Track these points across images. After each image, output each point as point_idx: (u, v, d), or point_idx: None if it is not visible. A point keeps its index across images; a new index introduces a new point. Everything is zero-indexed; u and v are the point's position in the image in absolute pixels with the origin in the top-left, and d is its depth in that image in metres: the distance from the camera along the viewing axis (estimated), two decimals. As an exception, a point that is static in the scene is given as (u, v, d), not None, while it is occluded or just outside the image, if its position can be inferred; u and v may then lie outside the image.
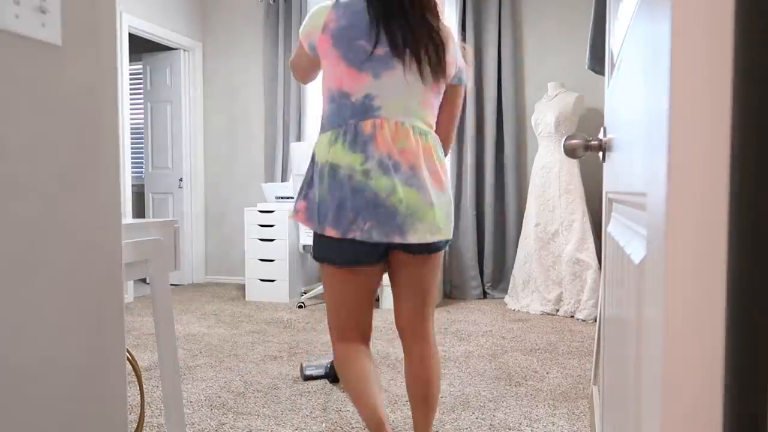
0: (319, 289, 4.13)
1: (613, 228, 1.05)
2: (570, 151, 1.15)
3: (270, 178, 4.89)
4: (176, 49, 5.01)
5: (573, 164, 3.79)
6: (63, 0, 0.76)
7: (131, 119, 5.93)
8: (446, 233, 1.49)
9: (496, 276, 4.37)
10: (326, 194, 1.43)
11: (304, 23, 1.51)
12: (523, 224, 4.01)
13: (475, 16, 4.32)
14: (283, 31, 4.79)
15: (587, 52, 2.27)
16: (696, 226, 0.42)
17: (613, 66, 1.15)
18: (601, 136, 1.17)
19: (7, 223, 0.69)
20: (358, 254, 1.47)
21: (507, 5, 4.25)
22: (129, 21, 4.35)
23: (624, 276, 0.80)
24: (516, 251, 4.17)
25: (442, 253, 1.59)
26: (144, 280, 5.18)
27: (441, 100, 1.57)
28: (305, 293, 4.30)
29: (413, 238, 1.42)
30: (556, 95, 3.91)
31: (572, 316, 3.71)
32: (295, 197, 2.02)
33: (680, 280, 0.42)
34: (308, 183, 1.51)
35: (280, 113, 4.83)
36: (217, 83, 5.13)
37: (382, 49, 1.43)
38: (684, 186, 0.42)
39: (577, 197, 3.74)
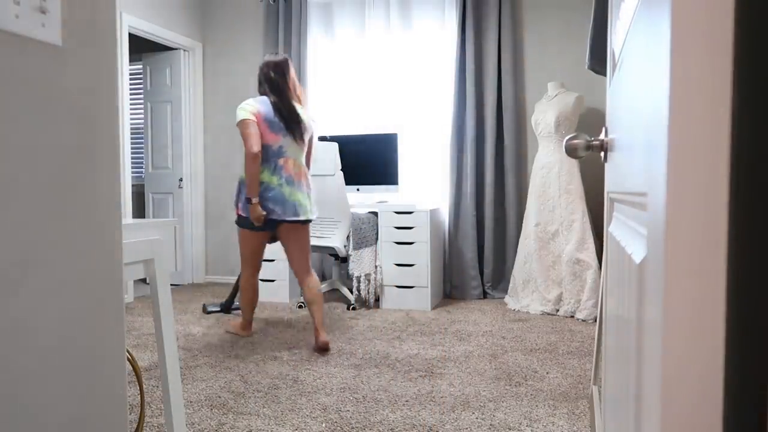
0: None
1: (614, 228, 1.05)
2: (572, 151, 1.15)
3: (270, 178, 4.89)
4: (176, 49, 5.01)
5: (573, 164, 3.79)
6: (63, 0, 0.76)
7: (131, 119, 5.93)
8: (313, 215, 3.08)
9: (496, 276, 4.37)
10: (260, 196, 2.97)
11: (242, 112, 2.94)
12: (523, 224, 4.00)
13: (475, 16, 4.32)
14: (283, 31, 4.79)
15: (587, 52, 2.26)
16: (696, 226, 0.42)
17: (614, 66, 1.15)
18: (602, 135, 1.17)
19: (7, 223, 0.69)
20: (267, 225, 3.02)
21: (507, 5, 4.25)
22: (129, 21, 4.35)
23: (625, 276, 0.80)
24: (516, 251, 4.17)
25: (309, 225, 3.12)
26: (144, 280, 5.18)
27: (306, 146, 3.11)
28: (305, 293, 4.31)
29: (302, 217, 3.01)
30: (556, 95, 3.91)
31: (572, 316, 3.71)
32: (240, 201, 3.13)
33: (680, 280, 0.42)
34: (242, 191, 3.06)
35: (280, 113, 4.83)
36: (217, 83, 5.13)
37: (283, 129, 2.99)
38: (684, 186, 0.42)
39: (577, 197, 3.74)
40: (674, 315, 0.43)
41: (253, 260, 3.14)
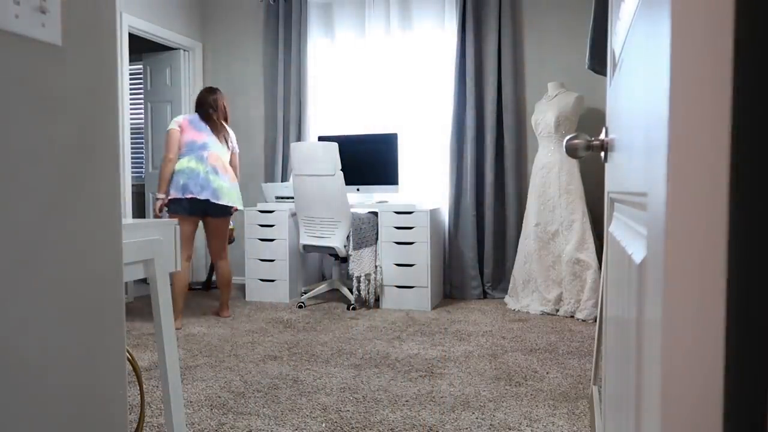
0: (320, 288, 4.13)
1: (614, 228, 1.05)
2: (572, 151, 1.15)
3: (270, 178, 4.89)
4: (176, 49, 5.01)
5: (573, 164, 3.79)
6: (63, 0, 0.76)
7: (131, 119, 5.93)
8: (235, 202, 3.63)
9: (496, 276, 4.37)
10: (188, 182, 3.52)
11: (171, 122, 3.66)
12: (523, 224, 4.00)
13: (475, 16, 4.32)
14: (283, 31, 4.79)
15: (587, 52, 2.26)
16: (696, 226, 0.42)
17: (614, 66, 1.15)
18: (602, 135, 1.17)
19: (7, 223, 0.69)
20: (194, 210, 3.54)
21: (507, 5, 4.25)
22: (129, 21, 4.35)
23: (625, 276, 0.80)
24: (516, 251, 4.17)
25: (229, 216, 3.68)
26: (144, 280, 5.18)
27: (230, 153, 3.77)
28: (305, 293, 4.30)
29: (221, 202, 3.54)
30: (556, 95, 3.91)
31: (572, 316, 3.71)
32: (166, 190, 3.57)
33: (680, 280, 0.42)
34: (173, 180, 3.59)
35: (280, 113, 4.83)
36: (217, 83, 5.13)
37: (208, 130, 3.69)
38: (684, 186, 0.42)
39: (577, 197, 3.74)
40: (674, 315, 0.43)
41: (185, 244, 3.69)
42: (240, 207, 3.69)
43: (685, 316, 0.42)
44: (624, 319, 0.80)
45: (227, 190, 3.58)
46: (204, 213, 3.58)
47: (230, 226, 4.09)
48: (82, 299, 0.81)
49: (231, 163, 3.75)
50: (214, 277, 4.91)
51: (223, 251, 3.73)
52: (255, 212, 4.30)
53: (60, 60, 0.76)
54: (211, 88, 3.79)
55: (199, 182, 3.48)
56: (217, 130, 3.68)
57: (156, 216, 3.60)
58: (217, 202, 3.52)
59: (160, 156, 5.16)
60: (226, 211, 3.63)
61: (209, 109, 3.72)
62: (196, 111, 3.73)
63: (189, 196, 3.47)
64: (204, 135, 3.61)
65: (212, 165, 3.55)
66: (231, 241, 4.44)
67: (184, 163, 3.52)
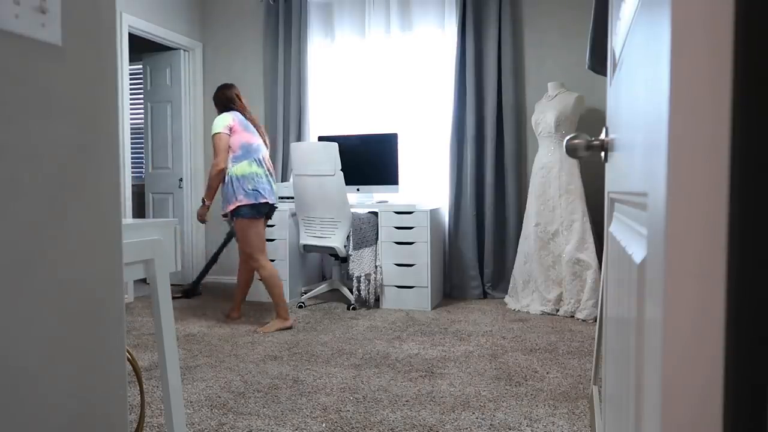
0: (320, 288, 4.13)
1: (614, 228, 1.05)
2: (572, 151, 1.15)
3: (270, 178, 4.89)
4: (176, 49, 5.01)
5: (573, 164, 3.79)
6: (63, 0, 0.76)
7: (131, 119, 5.93)
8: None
9: (496, 276, 4.37)
10: (258, 186, 3.43)
11: (220, 124, 3.46)
12: (523, 224, 4.00)
13: (475, 16, 4.32)
14: (283, 31, 4.79)
15: (587, 52, 2.26)
16: (696, 226, 0.42)
17: (614, 66, 1.15)
18: (602, 135, 1.17)
19: (7, 223, 0.69)
20: (264, 213, 3.47)
21: (507, 5, 4.25)
22: (129, 21, 4.35)
23: (625, 276, 0.80)
24: (516, 251, 4.17)
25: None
26: (144, 280, 5.18)
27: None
28: (305, 293, 4.30)
29: (277, 205, 3.59)
30: (556, 95, 3.91)
31: (572, 316, 3.71)
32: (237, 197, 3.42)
33: (680, 280, 0.42)
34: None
35: (280, 113, 4.83)
36: (217, 83, 5.13)
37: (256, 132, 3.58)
38: (684, 186, 0.42)
39: (577, 197, 3.74)
40: (674, 315, 0.43)
41: (264, 246, 3.54)
42: None
43: (685, 316, 0.42)
44: (624, 319, 0.80)
45: (277, 193, 3.60)
46: (266, 216, 3.56)
47: None
48: (82, 299, 0.81)
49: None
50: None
51: None
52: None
53: (60, 60, 0.76)
54: (228, 84, 3.64)
55: (266, 186, 3.44)
56: (259, 128, 3.58)
57: (201, 221, 3.53)
58: (276, 205, 3.57)
59: (160, 156, 5.17)
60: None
61: (242, 107, 3.58)
62: (231, 110, 3.53)
63: (262, 200, 3.41)
64: (254, 136, 3.50)
65: (267, 167, 3.50)
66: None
67: (246, 168, 3.39)
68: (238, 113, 3.51)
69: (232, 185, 3.39)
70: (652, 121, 0.51)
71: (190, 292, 4.51)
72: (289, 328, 3.46)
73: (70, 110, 0.78)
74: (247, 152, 3.42)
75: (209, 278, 5.23)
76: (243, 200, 3.36)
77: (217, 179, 3.41)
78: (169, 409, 1.53)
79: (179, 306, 4.17)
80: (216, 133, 3.41)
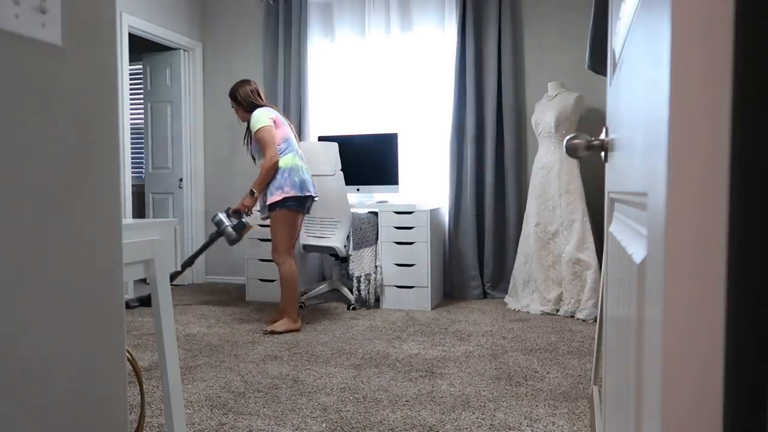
0: (320, 288, 4.13)
1: (615, 228, 1.05)
2: (572, 151, 1.15)
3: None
4: (176, 49, 5.01)
5: (573, 164, 3.79)
6: (63, 0, 0.76)
7: (131, 119, 5.93)
8: None
9: (496, 276, 4.37)
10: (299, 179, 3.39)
11: (264, 118, 3.40)
12: (523, 224, 4.00)
13: (475, 16, 4.31)
14: (283, 31, 4.79)
15: (587, 52, 2.26)
16: (696, 226, 0.42)
17: (614, 66, 1.15)
18: (602, 135, 1.17)
19: (7, 223, 0.69)
20: (307, 207, 3.47)
21: (507, 5, 4.25)
22: (129, 21, 4.35)
23: (625, 276, 0.80)
24: (516, 251, 4.17)
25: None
26: (144, 280, 5.17)
27: None
28: (305, 293, 4.30)
29: (316, 195, 3.49)
30: (556, 95, 3.91)
31: (572, 316, 3.71)
32: (279, 187, 3.36)
33: (680, 280, 0.42)
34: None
35: (281, 113, 4.83)
36: (217, 83, 5.13)
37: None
38: (684, 186, 0.42)
39: (577, 197, 3.74)
40: (674, 315, 0.43)
41: (295, 243, 3.48)
42: None
43: (685, 316, 0.42)
44: (624, 319, 0.80)
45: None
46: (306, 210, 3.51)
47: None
48: (82, 299, 0.81)
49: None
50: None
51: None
52: (255, 212, 4.29)
53: (60, 60, 0.76)
54: (247, 80, 3.55)
55: (309, 179, 3.42)
56: (290, 124, 3.57)
57: (247, 213, 3.47)
58: (316, 198, 3.51)
59: (160, 156, 5.17)
60: None
61: (267, 104, 3.54)
62: (261, 105, 3.48)
63: (307, 193, 3.38)
64: (290, 130, 3.50)
65: (305, 163, 3.51)
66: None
67: (290, 161, 3.38)
68: (271, 108, 3.50)
69: (280, 176, 3.35)
70: (652, 121, 0.51)
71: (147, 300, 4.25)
72: (298, 330, 3.42)
73: (70, 110, 0.78)
74: (289, 146, 3.41)
75: (209, 278, 5.23)
76: (290, 192, 3.32)
77: (272, 172, 3.34)
78: (169, 409, 1.53)
79: (179, 306, 4.17)
80: (262, 127, 3.34)
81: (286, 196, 3.32)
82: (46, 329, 0.75)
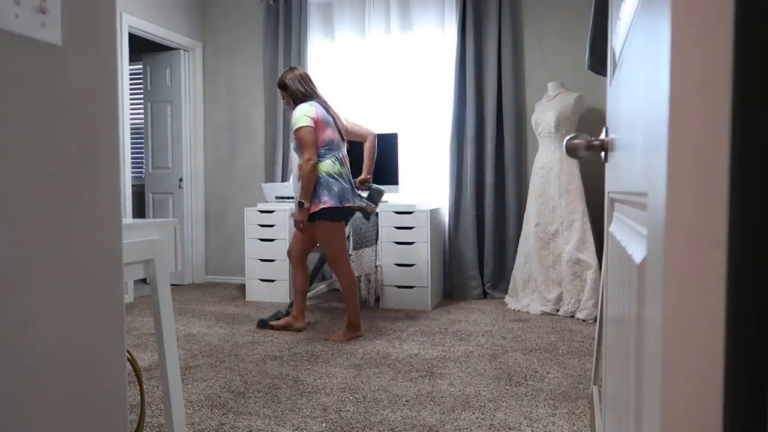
0: (320, 288, 4.13)
1: (615, 228, 1.05)
2: (572, 151, 1.15)
3: (270, 178, 4.89)
4: (176, 49, 5.01)
5: (573, 164, 3.79)
6: (63, 0, 0.76)
7: (131, 119, 5.93)
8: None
9: (496, 276, 4.37)
10: (340, 186, 3.13)
11: (304, 117, 3.09)
12: (523, 224, 4.00)
13: (475, 16, 4.31)
14: (283, 31, 4.79)
15: (587, 52, 2.26)
16: (696, 226, 0.42)
17: (614, 66, 1.15)
18: (602, 135, 1.17)
19: (7, 222, 0.69)
20: (350, 215, 3.25)
21: (507, 5, 4.25)
22: (129, 21, 4.35)
23: (625, 276, 0.80)
24: (516, 251, 4.17)
25: None
26: (144, 280, 5.18)
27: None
28: (305, 293, 4.30)
29: (358, 205, 3.23)
30: (556, 95, 3.91)
31: (572, 316, 3.71)
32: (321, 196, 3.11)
33: (680, 280, 0.42)
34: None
35: (280, 113, 4.83)
36: (217, 83, 5.13)
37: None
38: (684, 186, 0.42)
39: (577, 197, 3.74)
40: (674, 315, 0.43)
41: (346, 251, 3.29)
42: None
43: (685, 316, 0.42)
44: (624, 319, 0.80)
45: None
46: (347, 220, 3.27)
47: None
48: (82, 299, 0.81)
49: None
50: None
51: None
52: (255, 212, 4.29)
53: (60, 60, 0.76)
54: (294, 67, 3.26)
55: (350, 189, 3.16)
56: (338, 121, 3.21)
57: (300, 229, 3.13)
58: (363, 205, 3.30)
59: (160, 156, 5.17)
60: None
61: (321, 96, 3.22)
62: (308, 95, 3.19)
63: (347, 204, 3.12)
64: (335, 132, 3.16)
65: (348, 167, 3.22)
66: None
67: (329, 167, 3.09)
68: (319, 105, 3.16)
69: (318, 185, 3.08)
70: (652, 121, 0.51)
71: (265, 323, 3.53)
72: (361, 336, 3.26)
73: (71, 110, 0.78)
74: (330, 150, 3.12)
75: (209, 278, 5.23)
76: (328, 202, 3.06)
77: (314, 176, 3.06)
78: (169, 409, 1.53)
79: (179, 306, 4.17)
80: (301, 127, 3.05)
81: (323, 207, 3.07)
82: (46, 329, 0.75)
